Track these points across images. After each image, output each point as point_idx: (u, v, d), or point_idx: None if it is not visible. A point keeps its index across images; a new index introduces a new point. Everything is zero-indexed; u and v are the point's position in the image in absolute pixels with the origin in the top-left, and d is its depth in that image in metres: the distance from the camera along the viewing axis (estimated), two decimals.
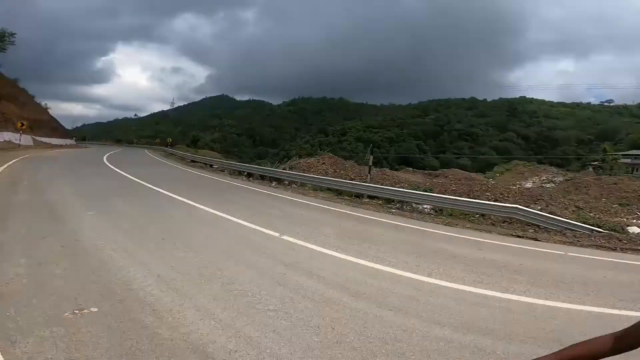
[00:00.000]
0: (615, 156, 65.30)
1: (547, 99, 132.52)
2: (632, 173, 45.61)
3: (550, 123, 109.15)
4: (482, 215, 10.85)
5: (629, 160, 61.24)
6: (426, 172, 33.39)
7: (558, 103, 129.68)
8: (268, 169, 16.57)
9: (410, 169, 37.51)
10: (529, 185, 26.01)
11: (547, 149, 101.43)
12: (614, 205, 14.41)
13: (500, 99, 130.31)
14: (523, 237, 8.59)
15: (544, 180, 27.36)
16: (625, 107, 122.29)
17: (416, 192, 12.21)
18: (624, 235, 9.35)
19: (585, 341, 0.85)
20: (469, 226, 9.50)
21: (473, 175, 28.62)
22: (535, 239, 8.50)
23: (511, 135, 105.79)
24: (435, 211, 11.39)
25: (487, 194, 12.48)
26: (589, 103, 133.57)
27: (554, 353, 0.86)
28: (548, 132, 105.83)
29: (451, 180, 20.87)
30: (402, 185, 14.41)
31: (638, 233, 10.40)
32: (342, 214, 9.62)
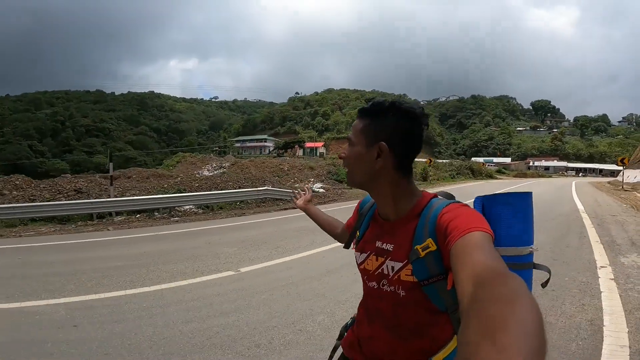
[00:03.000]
0: (231, 141, 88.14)
1: (172, 94, 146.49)
2: (240, 153, 64.28)
3: (176, 116, 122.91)
4: (242, 201, 12.53)
5: (239, 144, 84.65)
6: (90, 174, 27.97)
7: (181, 98, 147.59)
8: None
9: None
10: (206, 172, 29.89)
11: (177, 139, 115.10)
12: (271, 175, 21.03)
13: (130, 92, 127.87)
14: (275, 210, 11.22)
15: (215, 167, 32.31)
16: (226, 102, 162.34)
17: (171, 195, 11.40)
18: (316, 192, 14.86)
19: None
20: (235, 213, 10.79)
21: (160, 171, 28.16)
22: (291, 208, 11.60)
23: (144, 129, 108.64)
24: (203, 209, 11.51)
25: (229, 183, 14.10)
26: (202, 99, 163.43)
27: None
28: (176, 125, 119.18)
29: (138, 180, 19.59)
30: (133, 192, 12.53)
31: (317, 187, 16.67)
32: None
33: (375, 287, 0.87)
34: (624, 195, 14.45)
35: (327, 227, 1.25)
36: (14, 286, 3.96)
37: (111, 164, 11.31)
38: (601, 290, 3.41)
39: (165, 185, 14.40)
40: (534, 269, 0.84)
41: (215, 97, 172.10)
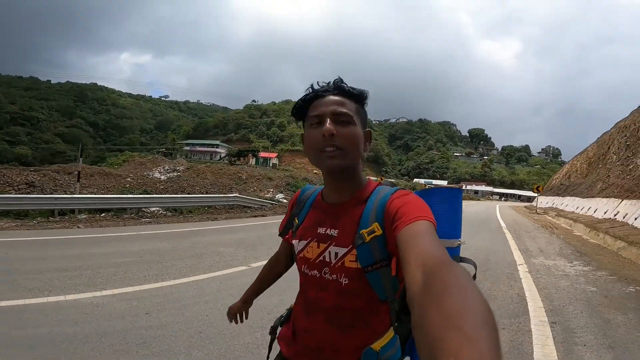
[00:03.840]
0: (181, 144, 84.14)
1: (117, 89, 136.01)
2: (189, 157, 61.83)
3: (118, 112, 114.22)
4: (209, 206, 12.82)
5: (188, 148, 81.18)
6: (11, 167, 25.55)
7: (127, 93, 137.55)
8: None
9: None
10: (157, 175, 28.64)
11: (116, 136, 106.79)
12: (231, 183, 21.10)
13: (69, 82, 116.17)
14: (245, 217, 11.76)
15: (168, 169, 31.00)
16: (177, 102, 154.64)
17: (139, 196, 11.36)
18: (279, 202, 15.61)
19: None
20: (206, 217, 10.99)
21: (106, 169, 26.39)
22: (261, 216, 12.25)
23: (79, 122, 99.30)
24: (172, 211, 11.62)
25: (196, 188, 14.20)
26: (150, 96, 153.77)
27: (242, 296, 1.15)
28: (117, 120, 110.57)
29: (84, 177, 18.50)
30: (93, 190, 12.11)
31: (281, 198, 17.38)
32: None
33: (317, 276, 0.85)
34: (537, 217, 17.50)
35: (271, 275, 1.14)
36: (41, 280, 4.23)
37: (81, 159, 10.90)
38: (521, 277, 4.85)
39: (127, 186, 14.08)
40: (461, 262, 0.85)
41: (166, 96, 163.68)
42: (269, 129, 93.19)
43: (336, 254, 0.81)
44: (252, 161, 55.37)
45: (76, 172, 12.40)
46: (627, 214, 9.82)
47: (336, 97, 0.81)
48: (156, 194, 12.53)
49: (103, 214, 10.25)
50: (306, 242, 0.87)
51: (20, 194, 10.68)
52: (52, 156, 76.36)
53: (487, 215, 17.40)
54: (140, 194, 11.99)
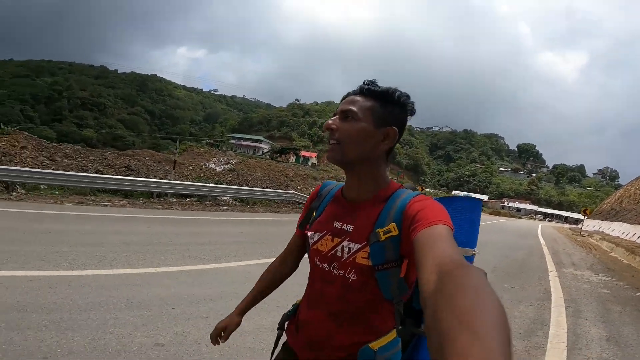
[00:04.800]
0: (228, 137, 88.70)
1: (173, 80, 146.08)
2: (234, 150, 64.80)
3: (173, 102, 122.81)
4: (269, 200, 14.62)
5: (234, 141, 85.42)
6: (110, 151, 29.29)
7: (181, 85, 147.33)
8: None
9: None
10: (213, 166, 31.48)
11: (169, 125, 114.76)
12: (280, 179, 22.88)
13: (133, 72, 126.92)
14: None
15: (222, 161, 33.81)
16: (224, 96, 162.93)
17: (215, 185, 13.37)
18: None
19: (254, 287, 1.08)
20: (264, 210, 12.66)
21: (173, 157, 29.56)
22: None
23: (139, 110, 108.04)
24: (239, 202, 13.54)
25: (258, 182, 16.14)
26: (201, 89, 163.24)
27: (236, 308, 1.07)
28: (171, 111, 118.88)
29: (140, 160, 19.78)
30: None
31: None
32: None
33: (325, 269, 0.86)
34: (579, 239, 17.53)
35: (276, 278, 1.08)
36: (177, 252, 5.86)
37: (176, 151, 13.15)
38: (550, 279, 5.96)
39: (202, 175, 16.30)
40: None
41: (215, 90, 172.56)
42: (310, 129, 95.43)
43: (349, 249, 0.82)
44: (293, 159, 56.68)
45: (161, 160, 14.68)
46: None
47: (355, 96, 0.84)
48: (226, 184, 14.53)
49: (187, 199, 12.27)
50: (321, 234, 0.89)
51: (120, 175, 12.48)
52: (114, 140, 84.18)
53: (527, 232, 17.91)
54: (215, 183, 14.03)
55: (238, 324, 1.05)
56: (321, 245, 0.88)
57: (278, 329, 1.02)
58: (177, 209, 10.22)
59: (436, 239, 0.62)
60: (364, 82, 0.85)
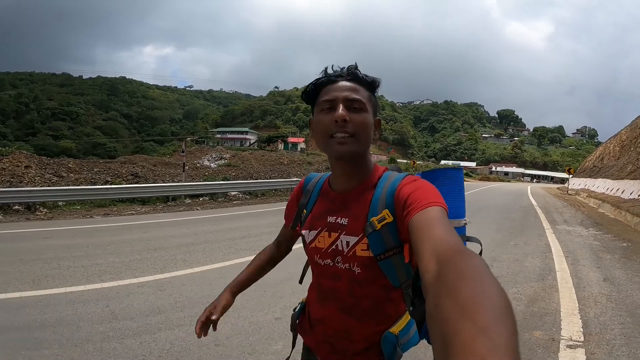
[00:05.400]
0: (212, 132, 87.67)
1: (144, 81, 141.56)
2: (221, 145, 64.75)
3: (148, 103, 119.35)
4: (276, 189, 15.21)
5: (219, 135, 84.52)
6: (102, 161, 29.14)
7: (154, 85, 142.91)
8: None
9: None
10: (207, 162, 31.72)
11: (149, 127, 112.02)
12: (276, 168, 23.37)
13: (100, 77, 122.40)
14: None
15: (215, 157, 34.06)
16: (201, 91, 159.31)
17: (223, 182, 13.85)
18: None
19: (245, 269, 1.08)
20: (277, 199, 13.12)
21: (167, 159, 29.68)
22: None
23: (115, 115, 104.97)
24: (247, 195, 14.08)
25: (261, 174, 16.64)
26: (176, 87, 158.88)
27: (226, 287, 1.03)
28: (148, 112, 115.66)
29: (144, 166, 20.14)
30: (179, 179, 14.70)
31: None
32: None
33: (330, 265, 0.85)
34: (567, 197, 18.82)
35: (268, 264, 1.09)
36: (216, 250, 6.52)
37: (184, 154, 13.47)
38: (547, 236, 6.82)
39: (207, 174, 16.70)
40: (467, 242, 0.87)
41: (190, 86, 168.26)
42: (295, 115, 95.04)
43: (347, 242, 0.81)
44: (281, 146, 56.55)
45: (155, 163, 14.75)
46: None
47: (349, 83, 0.80)
48: (233, 180, 15.02)
49: (201, 199, 12.72)
50: (317, 232, 0.87)
51: (129, 183, 12.80)
52: (94, 148, 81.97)
53: (519, 195, 19.19)
54: (221, 180, 14.50)
55: (230, 304, 1.01)
56: (319, 242, 0.87)
57: (292, 329, 1.02)
58: (197, 209, 10.50)
59: (431, 222, 0.61)
60: (348, 67, 0.83)
